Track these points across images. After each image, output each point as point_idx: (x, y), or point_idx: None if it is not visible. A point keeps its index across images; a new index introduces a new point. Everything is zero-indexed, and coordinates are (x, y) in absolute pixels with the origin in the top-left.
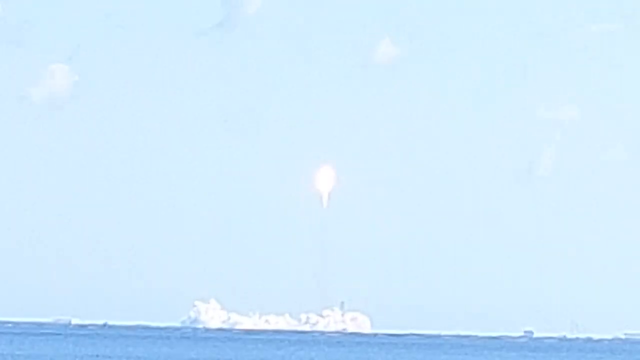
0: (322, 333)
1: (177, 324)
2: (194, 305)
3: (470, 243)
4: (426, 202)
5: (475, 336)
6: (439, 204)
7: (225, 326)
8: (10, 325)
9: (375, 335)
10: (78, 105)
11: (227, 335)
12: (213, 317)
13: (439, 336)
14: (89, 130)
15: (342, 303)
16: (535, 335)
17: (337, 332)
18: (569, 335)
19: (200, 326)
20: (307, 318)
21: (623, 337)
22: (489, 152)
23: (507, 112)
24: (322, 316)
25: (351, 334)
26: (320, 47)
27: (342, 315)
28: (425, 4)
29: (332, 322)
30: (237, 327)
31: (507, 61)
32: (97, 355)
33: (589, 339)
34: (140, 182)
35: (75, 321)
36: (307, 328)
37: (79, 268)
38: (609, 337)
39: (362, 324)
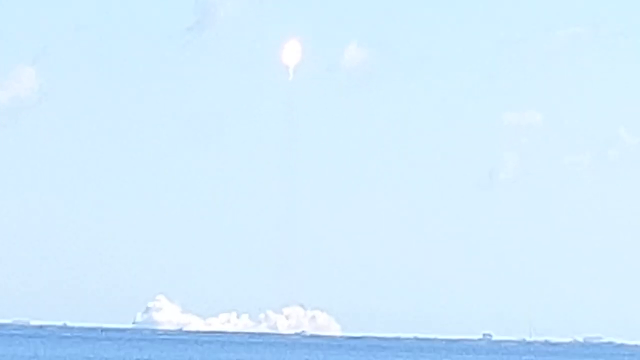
0: (282, 335)
1: (130, 325)
2: (149, 305)
3: (430, 246)
4: (388, 206)
5: (434, 339)
6: (401, 208)
7: (180, 327)
8: None
9: (333, 337)
10: (44, 109)
11: (184, 337)
12: (168, 317)
13: (397, 339)
14: (55, 134)
15: (302, 305)
16: (494, 338)
17: (296, 334)
18: (527, 339)
19: (156, 327)
20: (266, 316)
21: (581, 340)
22: (452, 156)
23: (471, 116)
24: (282, 314)
25: (311, 336)
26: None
27: (305, 313)
28: (393, 8)
29: (292, 321)
30: (193, 327)
31: (473, 66)
32: (56, 357)
33: (548, 343)
34: (101, 184)
35: (34, 322)
36: (265, 328)
37: (38, 269)
38: (568, 340)
39: (323, 324)
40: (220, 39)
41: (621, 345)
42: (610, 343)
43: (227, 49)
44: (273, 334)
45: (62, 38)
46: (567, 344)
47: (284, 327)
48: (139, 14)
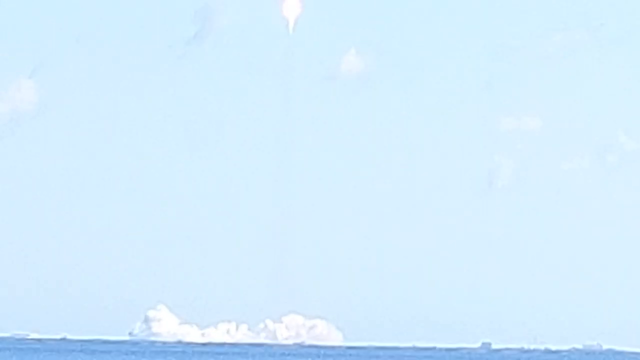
0: (282, 346)
1: (126, 337)
2: (148, 315)
3: (429, 253)
4: (386, 213)
5: (433, 348)
6: (399, 214)
7: (178, 338)
8: None
9: (333, 347)
10: (43, 121)
11: (183, 349)
12: (167, 327)
13: (396, 348)
14: (54, 146)
15: (302, 313)
16: (494, 346)
17: (295, 343)
18: (527, 347)
19: (154, 338)
20: (265, 326)
21: (581, 347)
22: (450, 162)
23: (469, 122)
24: (281, 323)
25: (309, 346)
26: (286, 59)
27: (304, 322)
28: (391, 16)
29: (292, 330)
30: (191, 338)
31: (470, 72)
32: None
33: (548, 350)
34: (100, 194)
35: (33, 335)
36: (264, 339)
37: (36, 281)
38: (567, 347)
39: (323, 333)
40: (220, 48)
41: (621, 353)
42: (610, 350)
43: (228, 59)
44: (272, 345)
45: (60, 50)
46: (567, 351)
47: (284, 336)
48: (138, 25)
